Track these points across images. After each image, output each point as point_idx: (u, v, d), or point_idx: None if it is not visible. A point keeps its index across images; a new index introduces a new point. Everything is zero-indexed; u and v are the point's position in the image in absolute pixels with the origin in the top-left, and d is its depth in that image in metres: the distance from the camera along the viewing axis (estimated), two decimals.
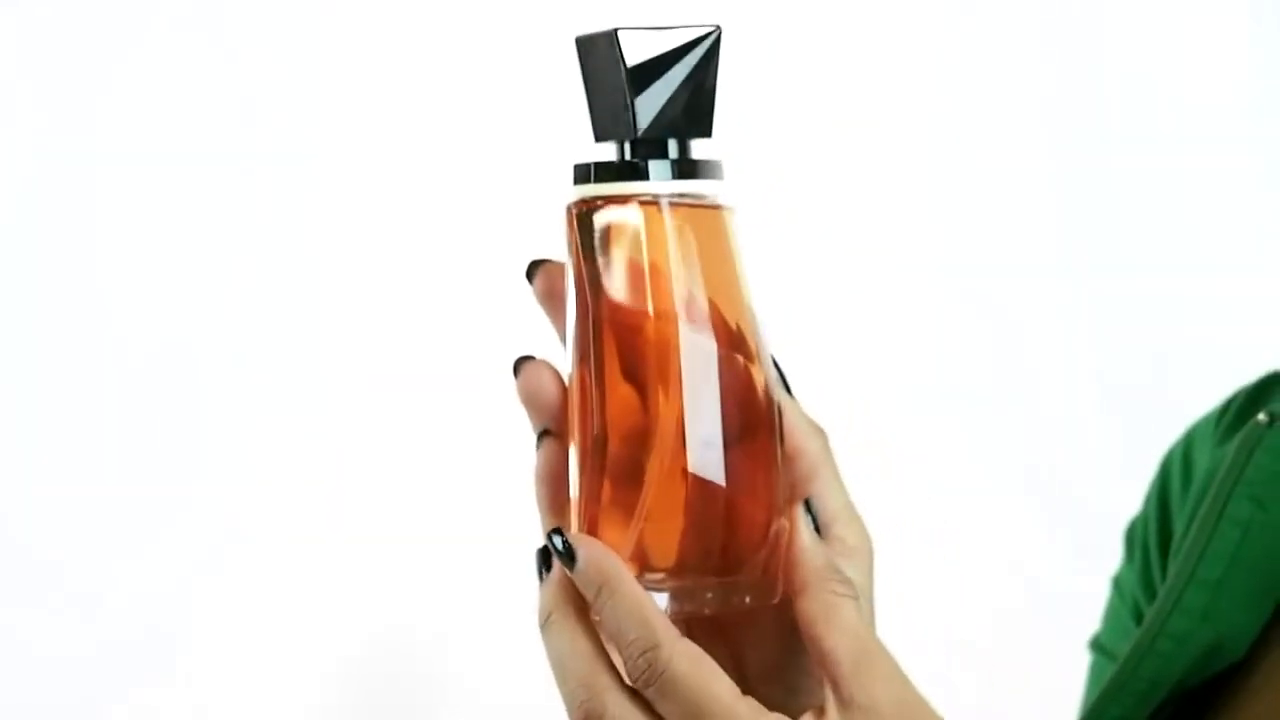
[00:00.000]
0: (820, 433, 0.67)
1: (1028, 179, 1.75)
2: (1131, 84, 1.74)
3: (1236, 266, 1.73)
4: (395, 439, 1.73)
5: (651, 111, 0.66)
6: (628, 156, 0.66)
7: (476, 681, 1.71)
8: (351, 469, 1.73)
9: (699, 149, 0.67)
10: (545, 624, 0.64)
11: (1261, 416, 0.80)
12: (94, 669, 1.71)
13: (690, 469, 0.64)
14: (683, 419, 0.64)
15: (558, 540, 0.63)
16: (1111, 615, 0.96)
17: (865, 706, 0.62)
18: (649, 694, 0.61)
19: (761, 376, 0.66)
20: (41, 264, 1.72)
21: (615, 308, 0.65)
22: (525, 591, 0.67)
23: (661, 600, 0.64)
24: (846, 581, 0.64)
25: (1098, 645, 0.96)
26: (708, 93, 0.67)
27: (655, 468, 0.64)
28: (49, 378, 1.73)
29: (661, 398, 0.65)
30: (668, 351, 0.65)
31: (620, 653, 0.62)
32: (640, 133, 0.66)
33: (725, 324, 0.66)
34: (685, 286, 0.65)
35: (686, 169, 0.66)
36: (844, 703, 0.62)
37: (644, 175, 0.66)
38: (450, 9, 1.72)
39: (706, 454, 0.65)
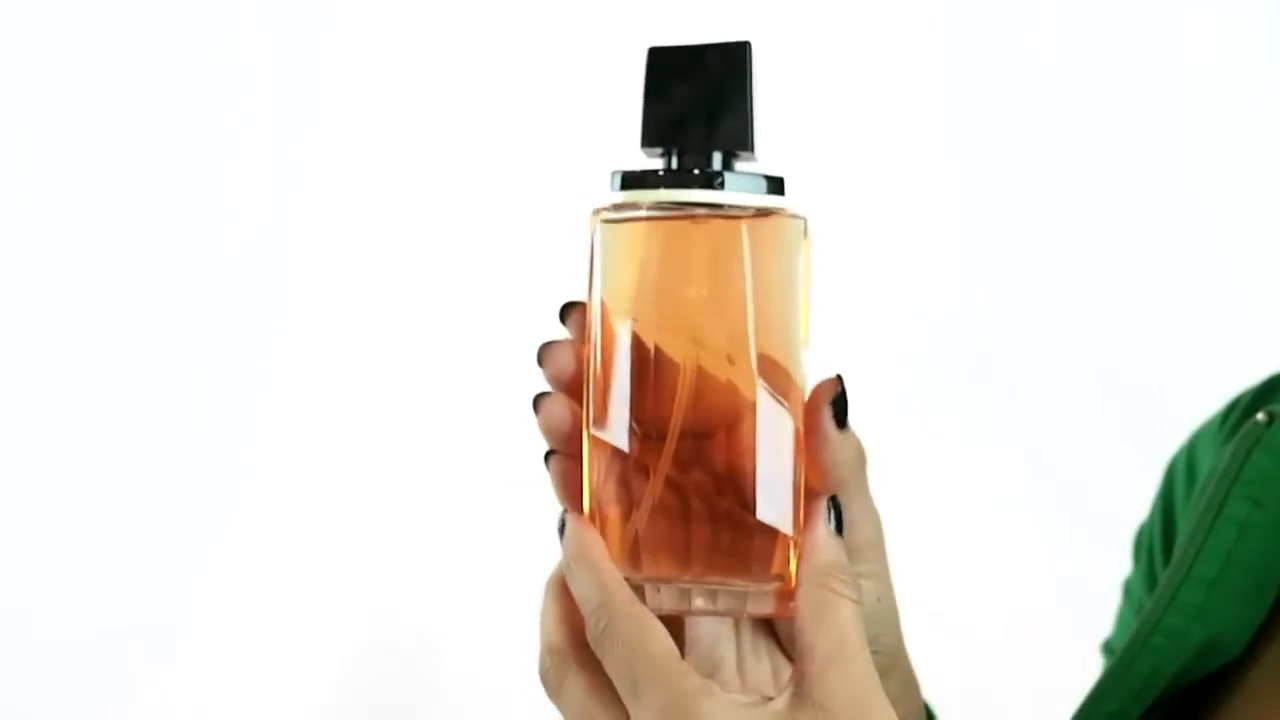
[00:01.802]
0: (852, 458, 0.68)
1: (1031, 179, 1.75)
2: (1136, 87, 1.75)
3: (1250, 268, 1.74)
4: (394, 433, 1.73)
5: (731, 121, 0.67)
6: (698, 167, 0.67)
7: (474, 665, 1.72)
8: (351, 459, 1.74)
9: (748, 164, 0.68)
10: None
11: (1260, 416, 0.80)
12: (94, 658, 1.72)
13: (688, 485, 0.66)
14: (683, 429, 0.66)
15: (560, 516, 0.67)
16: (1120, 619, 0.96)
17: (819, 704, 0.62)
18: (599, 653, 0.64)
19: (793, 400, 0.66)
20: (41, 262, 1.73)
21: (633, 314, 0.66)
22: (522, 578, 0.69)
23: (667, 597, 0.66)
24: (850, 582, 0.64)
25: (1108, 649, 0.97)
26: (749, 105, 0.67)
27: (655, 470, 0.66)
28: (49, 373, 1.73)
29: (663, 407, 0.66)
30: (674, 365, 0.66)
31: (583, 615, 0.65)
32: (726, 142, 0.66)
33: (749, 339, 0.66)
34: (710, 299, 0.66)
35: (753, 182, 0.66)
36: (800, 696, 0.63)
37: (714, 184, 0.66)
38: (453, 17, 1.73)
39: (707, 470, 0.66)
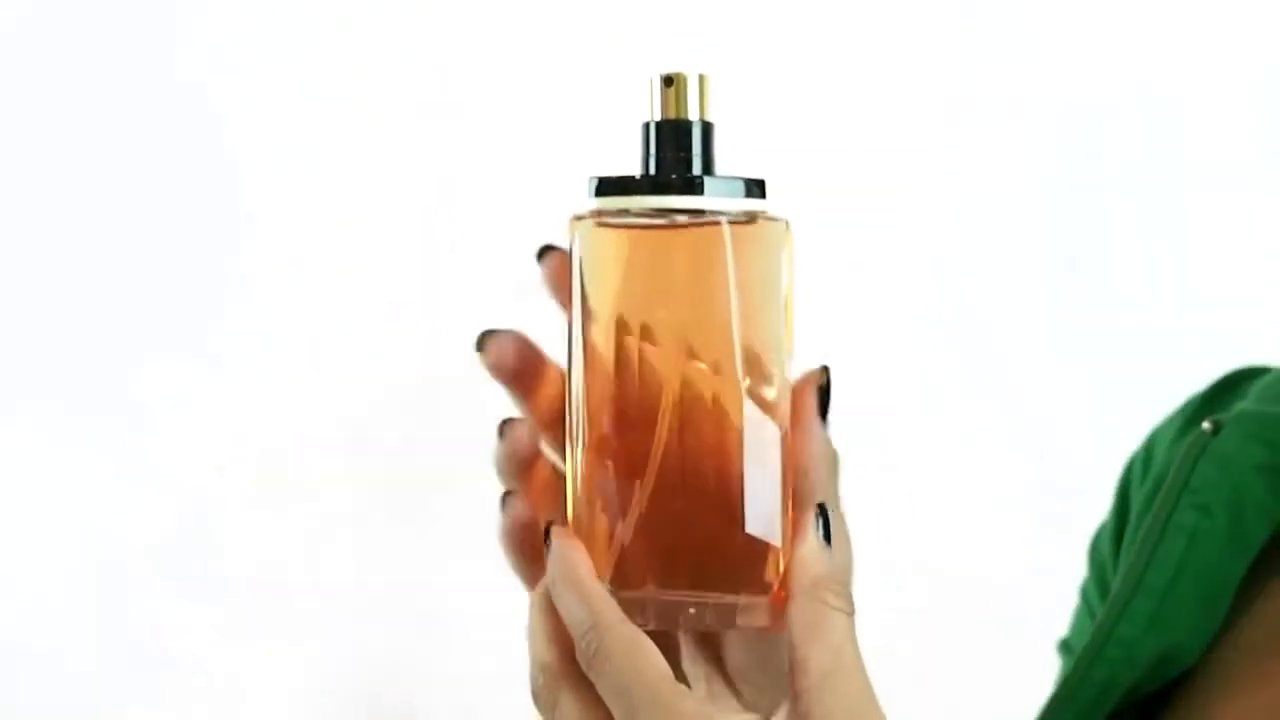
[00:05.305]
0: (831, 457, 0.68)
1: (1031, 177, 1.75)
2: (1130, 92, 1.74)
3: (1250, 267, 1.73)
4: (395, 429, 1.73)
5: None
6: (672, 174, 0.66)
7: (475, 665, 1.72)
8: (352, 455, 1.73)
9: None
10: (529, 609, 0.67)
11: (1206, 425, 0.80)
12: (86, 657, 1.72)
13: (676, 496, 0.65)
14: (668, 438, 0.65)
15: (546, 530, 0.66)
16: (1076, 620, 0.96)
17: None
18: (591, 675, 0.63)
19: (779, 408, 0.66)
20: (39, 260, 1.74)
21: (614, 321, 0.66)
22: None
23: (656, 612, 0.66)
24: (843, 594, 0.64)
25: (1065, 647, 0.97)
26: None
27: (640, 482, 0.65)
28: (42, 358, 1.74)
29: (647, 416, 0.65)
30: (658, 373, 0.65)
31: (572, 636, 0.64)
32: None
33: (729, 344, 0.65)
34: (685, 305, 0.65)
35: (740, 186, 0.66)
36: (799, 714, 0.62)
37: (694, 188, 0.65)
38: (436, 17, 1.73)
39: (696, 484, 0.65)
